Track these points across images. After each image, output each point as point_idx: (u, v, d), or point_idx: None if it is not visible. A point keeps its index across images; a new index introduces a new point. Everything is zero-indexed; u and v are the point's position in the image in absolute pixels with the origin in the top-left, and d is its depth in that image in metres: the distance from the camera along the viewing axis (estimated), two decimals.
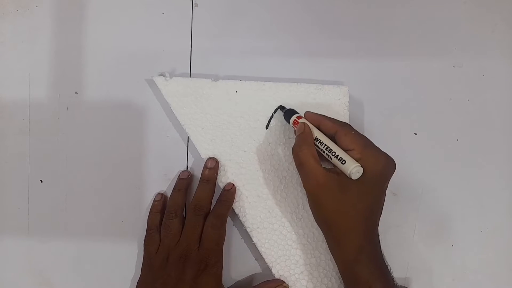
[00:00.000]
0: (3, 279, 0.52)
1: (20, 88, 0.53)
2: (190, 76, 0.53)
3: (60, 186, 0.52)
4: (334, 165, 0.45)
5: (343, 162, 0.43)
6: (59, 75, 0.53)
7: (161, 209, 0.51)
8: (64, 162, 0.53)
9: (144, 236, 0.50)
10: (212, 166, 0.50)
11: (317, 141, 0.46)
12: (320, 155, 0.46)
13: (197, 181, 0.51)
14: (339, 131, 0.45)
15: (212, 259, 0.47)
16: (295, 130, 0.48)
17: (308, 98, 0.52)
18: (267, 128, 0.51)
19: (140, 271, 0.49)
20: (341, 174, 0.44)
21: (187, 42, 0.54)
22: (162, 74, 0.52)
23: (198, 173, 0.51)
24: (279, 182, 0.51)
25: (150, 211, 0.51)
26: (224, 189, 0.50)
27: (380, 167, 0.44)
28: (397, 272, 0.50)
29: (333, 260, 0.46)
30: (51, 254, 0.52)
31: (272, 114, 0.51)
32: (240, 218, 0.50)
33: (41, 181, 0.53)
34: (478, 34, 0.55)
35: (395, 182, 0.52)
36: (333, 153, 0.44)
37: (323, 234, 0.47)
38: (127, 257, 0.52)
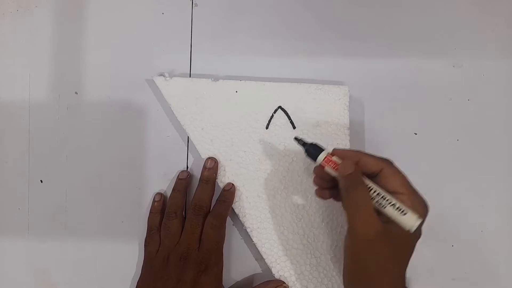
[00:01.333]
0: (3, 279, 0.52)
1: (20, 88, 0.53)
2: (190, 76, 0.53)
3: (60, 186, 0.52)
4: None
5: (404, 212, 0.38)
6: (59, 75, 0.53)
7: (160, 209, 0.51)
8: (64, 162, 0.53)
9: (145, 236, 0.50)
10: (211, 166, 0.50)
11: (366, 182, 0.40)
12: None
13: (197, 181, 0.51)
14: (386, 168, 0.40)
15: (212, 259, 0.47)
16: (317, 167, 0.43)
17: (308, 98, 0.52)
18: (267, 128, 0.51)
19: (140, 271, 0.49)
20: (389, 222, 0.39)
21: (187, 42, 0.54)
22: (162, 74, 0.52)
23: (198, 173, 0.51)
24: (279, 182, 0.51)
25: (150, 212, 0.51)
26: (223, 189, 0.50)
27: (426, 213, 0.40)
28: None
29: (333, 260, 0.46)
30: (51, 254, 0.52)
31: (272, 114, 0.51)
32: (240, 218, 0.50)
33: (41, 181, 0.53)
34: (478, 34, 0.55)
35: None
36: (388, 201, 0.39)
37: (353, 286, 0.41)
38: (127, 257, 0.52)
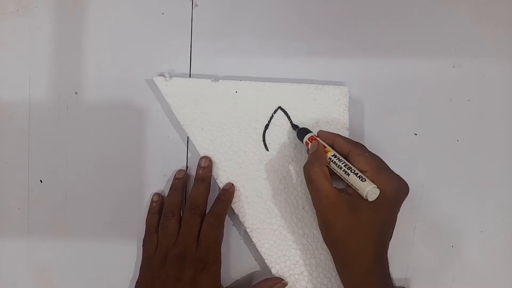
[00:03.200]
0: (3, 279, 0.52)
1: (20, 88, 0.53)
2: (190, 76, 0.53)
3: (60, 186, 0.52)
4: (347, 185, 0.45)
5: (363, 179, 0.43)
6: (59, 75, 0.53)
7: (159, 209, 0.51)
8: (64, 162, 0.53)
9: (143, 237, 0.50)
10: (206, 165, 0.50)
11: (335, 157, 0.45)
12: (332, 174, 0.45)
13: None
14: (353, 150, 0.45)
15: (210, 258, 0.47)
16: (307, 149, 0.48)
17: (308, 98, 0.52)
18: (267, 128, 0.51)
19: (139, 272, 0.49)
20: (353, 195, 0.44)
21: (187, 42, 0.54)
22: (162, 74, 0.52)
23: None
24: (279, 182, 0.51)
25: (148, 212, 0.51)
26: (223, 189, 0.50)
27: (394, 190, 0.43)
28: (397, 272, 0.50)
29: (333, 260, 0.46)
30: (51, 254, 0.52)
31: (272, 115, 0.51)
32: (240, 218, 0.50)
33: (41, 181, 0.53)
34: (478, 34, 0.55)
35: None
36: (352, 170, 0.43)
37: (331, 255, 0.46)
38: (126, 257, 0.52)
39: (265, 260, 0.50)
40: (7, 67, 0.53)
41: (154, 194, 0.52)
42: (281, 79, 0.53)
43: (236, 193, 0.50)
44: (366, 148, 0.46)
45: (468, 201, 0.54)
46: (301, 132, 0.49)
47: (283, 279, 0.49)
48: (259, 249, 0.50)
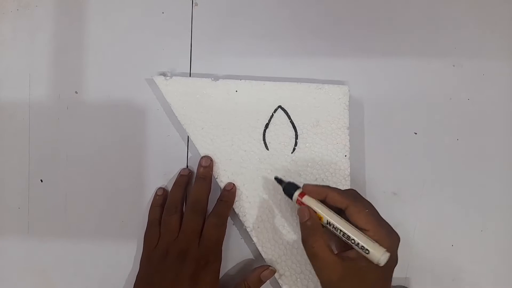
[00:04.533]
0: (3, 279, 0.52)
1: (20, 88, 0.53)
2: (190, 76, 0.53)
3: (60, 186, 0.52)
4: (344, 244, 0.42)
5: (367, 252, 0.40)
6: (59, 75, 0.53)
7: (162, 203, 0.51)
8: (64, 162, 0.53)
9: (145, 229, 0.50)
10: (207, 165, 0.50)
11: (330, 226, 0.42)
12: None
13: None
14: (351, 206, 0.42)
15: (212, 256, 0.47)
16: (297, 209, 0.45)
17: (308, 98, 0.52)
18: (267, 127, 0.52)
19: (139, 265, 0.49)
20: (356, 259, 0.41)
21: (187, 42, 0.54)
22: (162, 74, 0.52)
23: None
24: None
25: (152, 205, 0.51)
26: (224, 189, 0.50)
27: (393, 244, 0.42)
28: (397, 272, 0.50)
29: None
30: (51, 254, 0.52)
31: (272, 114, 0.51)
32: (240, 218, 0.50)
33: (41, 181, 0.53)
34: (478, 34, 0.55)
35: (395, 182, 0.53)
36: (353, 242, 0.41)
37: None
38: (127, 257, 0.52)
39: (265, 260, 0.49)
40: (7, 67, 0.53)
41: (159, 188, 0.52)
42: (281, 78, 0.53)
43: (237, 193, 0.50)
44: (362, 199, 0.44)
45: (468, 201, 0.54)
46: (287, 188, 0.45)
47: (270, 266, 0.49)
48: (259, 248, 0.50)
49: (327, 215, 0.42)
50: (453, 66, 0.55)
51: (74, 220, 0.52)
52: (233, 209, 0.50)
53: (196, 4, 0.54)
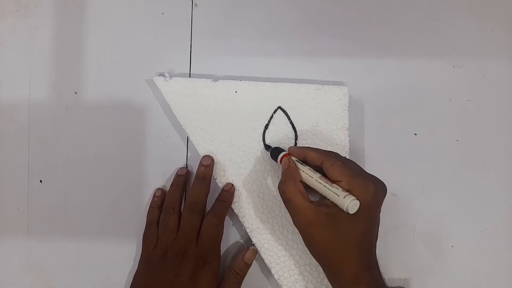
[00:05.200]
0: (3, 279, 0.52)
1: (20, 88, 0.53)
2: (189, 76, 0.53)
3: (60, 186, 0.52)
4: (324, 196, 0.44)
5: (339, 194, 0.42)
6: (59, 75, 0.53)
7: (160, 204, 0.51)
8: (64, 162, 0.53)
9: (144, 230, 0.50)
10: (208, 164, 0.50)
11: (308, 172, 0.45)
12: (310, 188, 0.45)
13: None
14: (325, 161, 0.44)
15: (210, 255, 0.48)
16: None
17: (308, 98, 0.52)
18: (266, 128, 0.51)
19: (137, 265, 0.49)
20: (331, 206, 0.43)
21: (187, 42, 0.54)
22: (162, 74, 0.52)
23: None
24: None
25: (150, 206, 0.51)
26: (223, 189, 0.50)
27: (371, 195, 0.43)
28: (397, 273, 0.50)
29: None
30: (51, 254, 0.52)
31: (272, 115, 0.51)
32: (240, 219, 0.50)
33: (41, 181, 0.53)
34: (478, 34, 0.55)
35: (395, 182, 0.53)
36: (327, 185, 0.43)
37: (321, 267, 0.45)
38: (126, 257, 0.52)
39: (265, 260, 0.49)
40: (7, 67, 0.53)
41: (157, 189, 0.52)
42: (281, 79, 0.53)
43: (236, 193, 0.50)
44: (339, 156, 0.45)
45: (468, 201, 0.54)
46: (274, 152, 0.49)
47: (250, 247, 0.50)
48: (258, 249, 0.50)
49: (302, 169, 0.45)
50: (453, 66, 0.55)
51: (74, 220, 0.52)
52: (232, 210, 0.50)
53: (196, 5, 0.54)
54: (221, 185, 0.50)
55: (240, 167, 0.51)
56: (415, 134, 0.54)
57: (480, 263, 0.53)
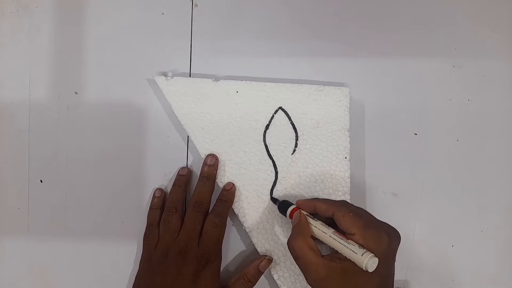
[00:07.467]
0: (3, 279, 0.52)
1: (20, 88, 0.53)
2: (190, 76, 0.53)
3: (60, 186, 0.52)
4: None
5: (355, 253, 0.40)
6: (59, 75, 0.53)
7: (161, 205, 0.51)
8: (64, 162, 0.53)
9: (144, 231, 0.50)
10: (212, 163, 0.50)
11: (320, 231, 0.43)
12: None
13: (197, 178, 0.51)
14: (336, 212, 0.43)
15: (212, 255, 0.48)
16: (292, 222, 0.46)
17: (309, 99, 0.52)
18: (267, 128, 0.51)
19: (139, 266, 0.49)
20: (344, 260, 0.41)
21: (187, 42, 0.54)
22: (164, 74, 0.52)
23: (198, 172, 0.51)
24: (279, 183, 0.51)
25: (150, 208, 0.51)
26: (224, 189, 0.50)
27: (385, 246, 0.41)
28: (397, 273, 0.50)
29: None
30: (51, 254, 0.52)
31: (273, 115, 0.51)
32: (240, 219, 0.50)
33: (41, 181, 0.53)
34: (478, 34, 0.55)
35: (395, 182, 0.53)
36: (342, 242, 0.41)
37: None
38: (126, 257, 0.52)
39: None
40: (7, 67, 0.53)
41: (157, 190, 0.52)
42: (282, 79, 0.53)
43: (236, 193, 0.50)
44: (349, 205, 0.45)
45: (468, 201, 0.54)
46: (282, 205, 0.48)
47: (267, 255, 0.49)
48: (258, 249, 0.50)
49: (314, 224, 0.44)
50: (453, 66, 0.55)
51: (74, 220, 0.52)
52: (233, 210, 0.50)
53: (196, 5, 0.54)
54: (221, 185, 0.50)
55: (241, 167, 0.51)
56: (415, 134, 0.54)
57: (480, 263, 0.53)
